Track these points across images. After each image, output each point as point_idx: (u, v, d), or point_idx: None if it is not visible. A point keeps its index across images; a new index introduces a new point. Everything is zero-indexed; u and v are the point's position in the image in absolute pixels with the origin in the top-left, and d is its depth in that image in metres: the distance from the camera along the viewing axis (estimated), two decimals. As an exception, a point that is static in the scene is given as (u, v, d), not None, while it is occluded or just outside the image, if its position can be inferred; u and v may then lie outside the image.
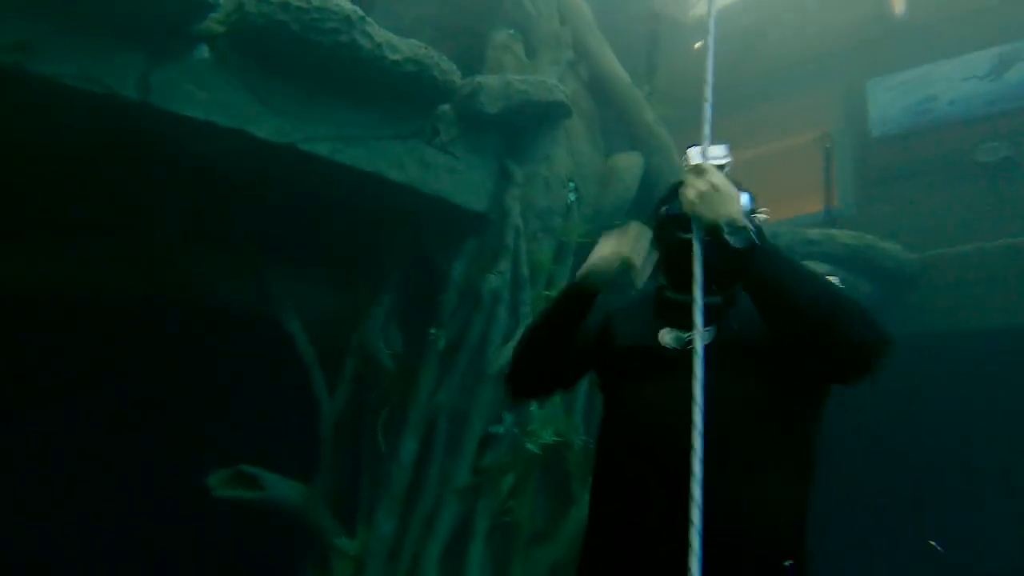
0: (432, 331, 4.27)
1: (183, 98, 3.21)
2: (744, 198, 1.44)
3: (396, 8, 6.02)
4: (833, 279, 1.44)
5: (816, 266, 5.25)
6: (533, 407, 4.27)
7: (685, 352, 1.37)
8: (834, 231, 5.49)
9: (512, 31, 5.39)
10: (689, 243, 1.38)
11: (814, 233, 5.41)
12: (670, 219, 1.51)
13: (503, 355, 4.16)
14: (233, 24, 3.28)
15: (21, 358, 4.91)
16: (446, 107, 4.00)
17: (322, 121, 3.57)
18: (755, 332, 1.39)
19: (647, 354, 1.48)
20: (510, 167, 4.25)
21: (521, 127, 4.28)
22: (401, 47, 3.56)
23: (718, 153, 1.44)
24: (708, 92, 1.40)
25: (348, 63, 3.43)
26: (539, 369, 1.66)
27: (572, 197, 4.40)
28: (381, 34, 3.50)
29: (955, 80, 6.46)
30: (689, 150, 1.45)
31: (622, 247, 1.54)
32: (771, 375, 1.38)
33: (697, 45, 9.45)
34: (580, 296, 1.57)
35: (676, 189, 1.49)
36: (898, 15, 6.96)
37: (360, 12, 3.40)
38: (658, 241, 1.56)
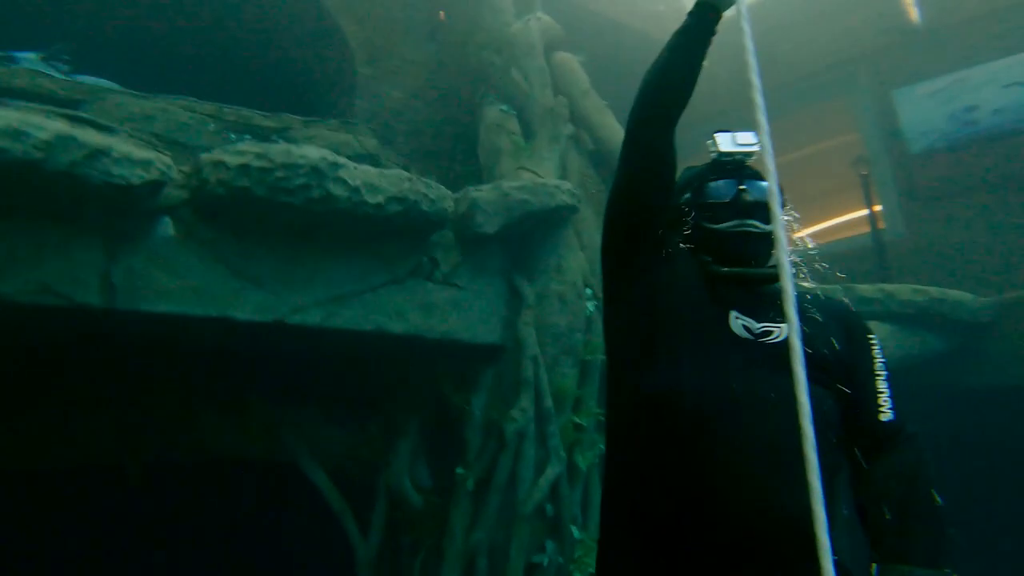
0: (459, 471, 3.87)
1: (152, 291, 2.90)
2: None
3: (381, 87, 5.77)
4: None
5: (877, 327, 4.66)
6: (575, 531, 3.86)
7: (757, 343, 1.28)
8: (892, 287, 4.88)
9: (504, 107, 5.05)
10: (741, 233, 1.36)
11: (867, 290, 4.82)
12: (717, 205, 1.40)
13: (537, 492, 3.76)
14: (194, 191, 2.97)
15: (40, 534, 4.68)
16: (443, 233, 3.63)
17: (309, 283, 3.23)
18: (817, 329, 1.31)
19: (706, 331, 1.31)
20: (520, 286, 3.84)
21: (526, 235, 3.89)
22: (383, 185, 3.20)
23: (747, 140, 1.40)
24: (754, 78, 1.22)
25: (326, 217, 3.10)
26: (668, 106, 1.40)
27: (591, 308, 3.96)
28: (359, 175, 3.15)
29: (996, 87, 5.85)
30: (716, 135, 1.42)
31: None
32: (827, 383, 1.28)
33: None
34: (704, 9, 1.38)
35: (714, 167, 1.44)
36: (915, 21, 6.41)
37: (330, 157, 3.06)
38: (695, 227, 1.43)
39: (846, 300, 1.51)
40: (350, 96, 5.62)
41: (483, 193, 3.66)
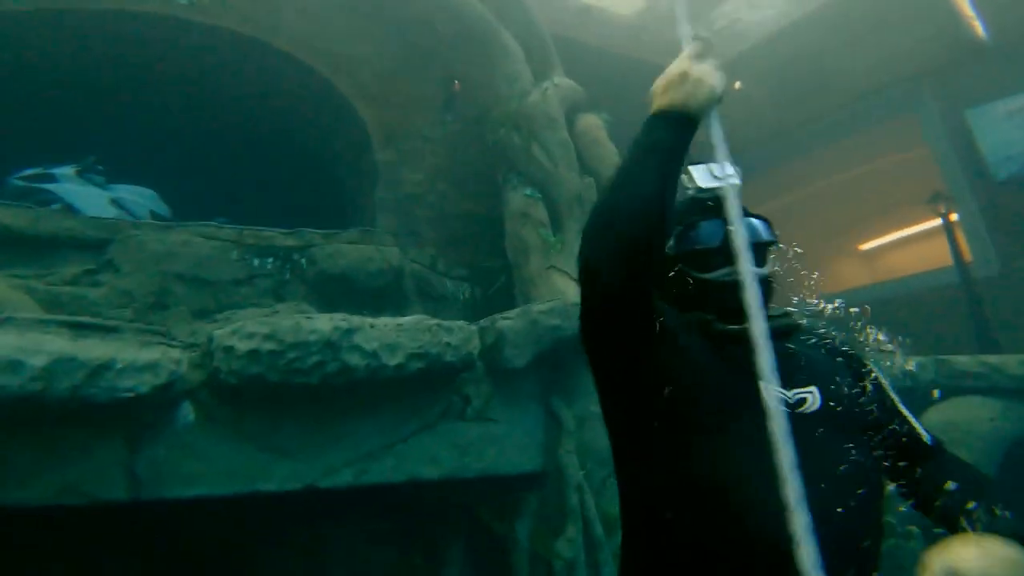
0: (510, 603, 3.69)
1: (178, 478, 2.83)
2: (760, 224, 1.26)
3: (401, 171, 5.60)
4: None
5: (980, 406, 4.16)
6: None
7: (795, 415, 1.12)
8: (997, 358, 4.29)
9: (529, 192, 4.80)
10: (729, 284, 1.16)
11: (966, 363, 4.28)
12: (706, 252, 1.22)
13: (594, 627, 3.52)
14: (210, 374, 2.87)
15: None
16: (472, 370, 3.43)
17: (337, 444, 3.09)
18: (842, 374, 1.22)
19: (740, 409, 1.12)
20: (558, 411, 3.61)
21: (562, 361, 3.65)
22: (402, 342, 3.02)
23: (727, 171, 1.19)
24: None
25: (346, 387, 2.94)
26: (629, 239, 1.08)
27: (639, 430, 3.68)
28: (375, 336, 2.98)
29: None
30: (691, 168, 1.22)
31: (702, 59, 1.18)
32: (869, 437, 1.17)
33: (736, 85, 8.48)
34: (680, 123, 1.13)
35: (695, 207, 1.25)
36: (980, 37, 5.76)
37: (343, 324, 2.90)
38: (684, 280, 1.24)
39: (838, 335, 1.35)
40: (371, 186, 5.47)
41: (510, 322, 3.43)
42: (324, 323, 2.85)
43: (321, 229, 4.54)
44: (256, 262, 4.19)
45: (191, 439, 2.89)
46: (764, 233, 1.24)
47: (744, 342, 1.09)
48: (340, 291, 4.31)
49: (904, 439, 1.22)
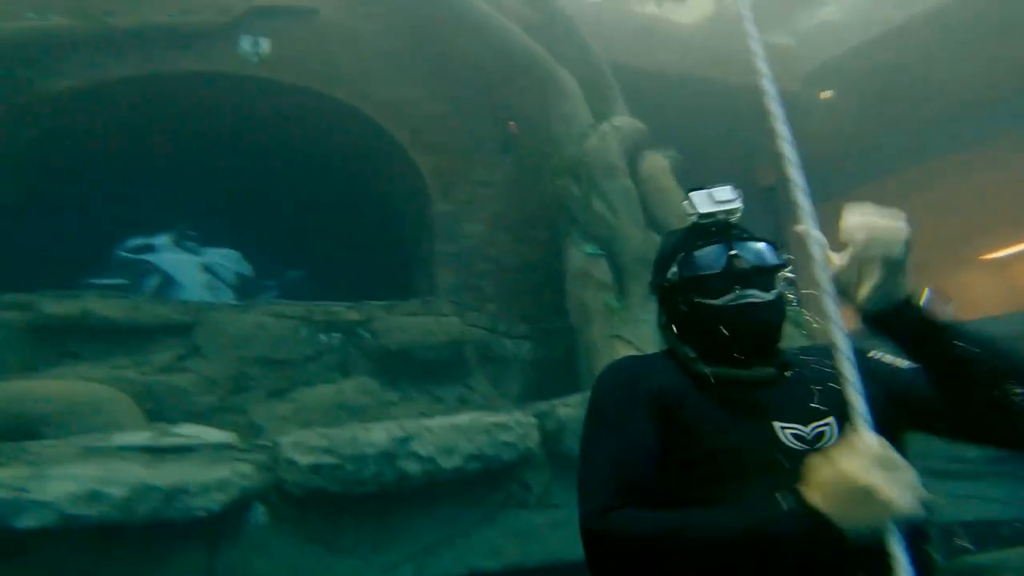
0: None
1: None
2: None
3: (459, 223, 5.61)
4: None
5: None
6: None
7: (814, 451, 1.04)
8: None
9: (590, 249, 4.68)
10: (744, 306, 1.13)
11: None
12: (709, 277, 1.18)
13: None
14: (277, 482, 3.01)
15: None
16: (531, 455, 3.40)
17: (397, 541, 3.16)
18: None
19: (757, 457, 1.07)
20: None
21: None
22: (459, 443, 3.04)
23: (726, 195, 1.21)
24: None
25: (406, 492, 2.99)
26: None
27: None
28: (431, 440, 3.01)
29: None
30: (692, 194, 1.21)
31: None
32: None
33: (825, 94, 7.89)
34: (829, 541, 0.92)
35: (697, 232, 1.22)
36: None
37: (399, 433, 2.95)
38: (676, 303, 1.22)
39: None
40: (431, 237, 5.53)
41: (571, 410, 3.37)
42: (380, 434, 2.91)
43: (390, 278, 4.64)
44: (323, 338, 4.35)
45: (262, 540, 3.03)
46: (769, 257, 1.19)
47: (734, 384, 1.09)
48: (401, 365, 4.39)
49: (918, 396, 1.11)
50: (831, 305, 1.02)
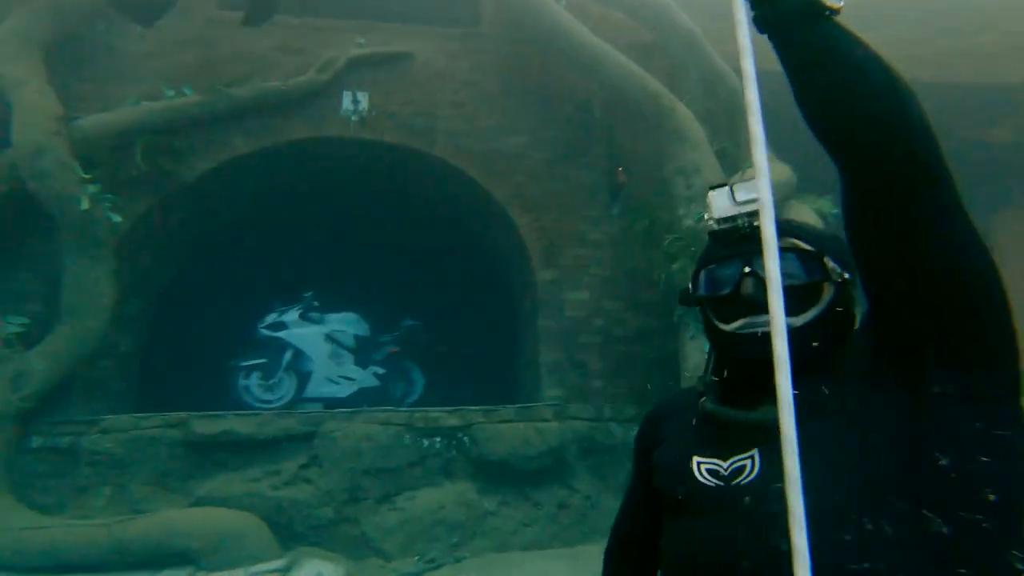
0: None
1: None
2: None
3: (562, 292, 5.41)
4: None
5: None
6: None
7: (729, 488, 0.96)
8: None
9: (708, 347, 4.38)
10: (747, 336, 0.98)
11: None
12: (719, 300, 1.04)
13: None
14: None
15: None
16: None
17: None
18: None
19: (683, 486, 1.03)
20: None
21: None
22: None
23: (752, 194, 1.00)
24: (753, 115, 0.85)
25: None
26: None
27: None
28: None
29: None
30: (711, 193, 1.04)
31: None
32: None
33: None
34: None
35: (715, 242, 1.06)
36: None
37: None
38: (710, 320, 1.08)
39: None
40: (534, 306, 5.47)
41: None
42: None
43: (500, 334, 4.78)
44: (425, 443, 4.64)
45: None
46: (796, 273, 0.99)
47: (722, 426, 1.00)
48: (500, 473, 4.58)
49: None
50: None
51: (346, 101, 5.79)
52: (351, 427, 4.62)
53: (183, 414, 4.64)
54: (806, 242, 1.02)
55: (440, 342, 6.59)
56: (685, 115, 5.18)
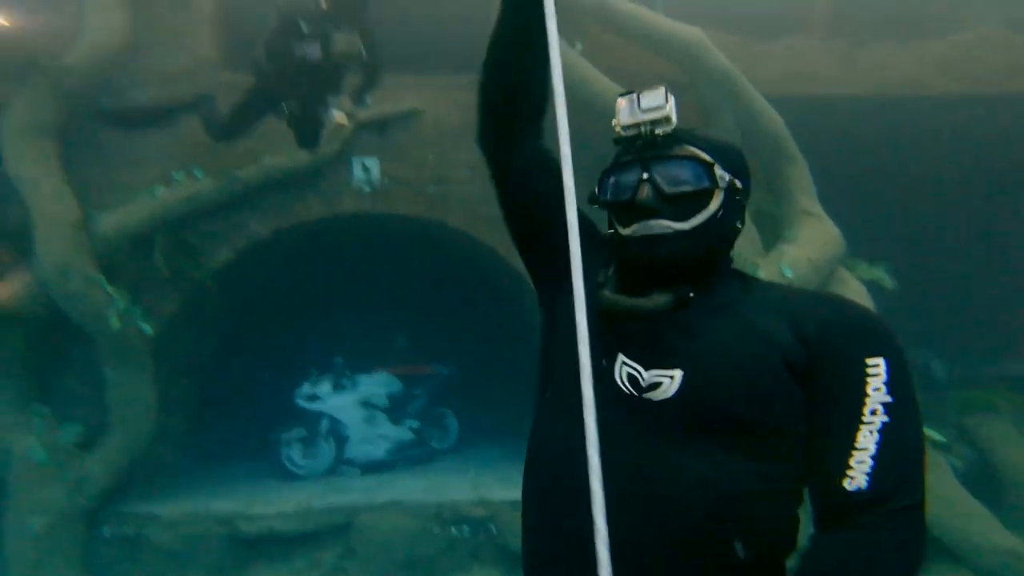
0: None
1: None
2: None
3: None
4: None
5: None
6: None
7: (641, 400, 0.99)
8: None
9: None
10: (642, 239, 1.03)
11: None
12: (618, 205, 1.08)
13: None
14: None
15: None
16: None
17: None
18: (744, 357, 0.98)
19: (599, 383, 0.99)
20: None
21: None
22: None
23: (655, 100, 1.03)
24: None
25: None
26: (504, 79, 1.21)
27: None
28: None
29: None
30: (619, 99, 1.07)
31: None
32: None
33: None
34: None
35: (624, 147, 1.11)
36: None
37: None
38: (611, 224, 1.13)
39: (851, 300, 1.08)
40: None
41: None
42: None
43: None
44: (454, 531, 4.85)
45: None
46: (689, 180, 1.02)
47: (618, 315, 1.04)
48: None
49: (812, 458, 0.94)
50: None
51: (356, 169, 5.70)
52: (382, 519, 4.85)
53: (228, 512, 4.96)
54: (703, 150, 1.05)
55: (471, 388, 6.70)
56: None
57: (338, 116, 4.78)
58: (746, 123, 5.22)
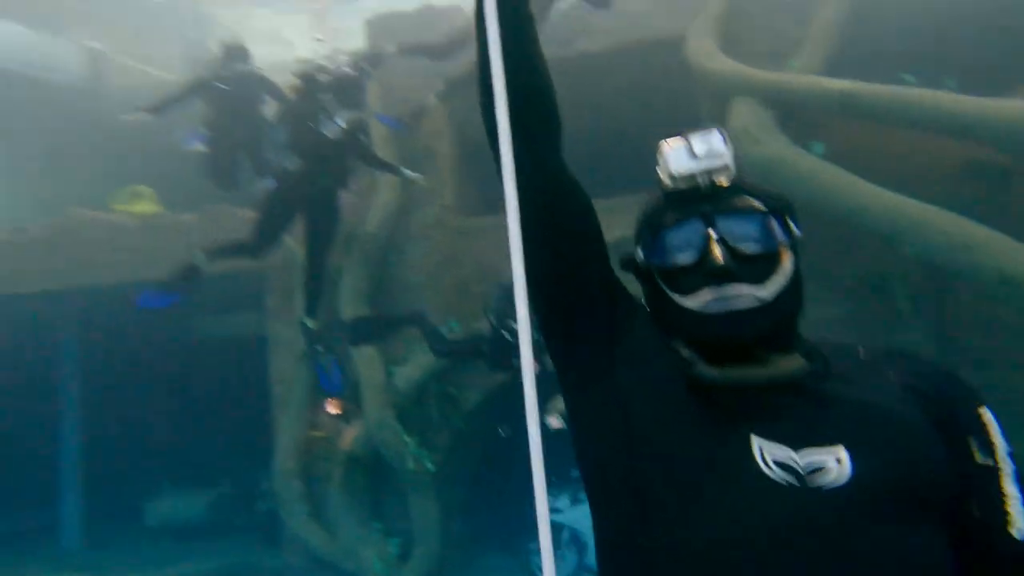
0: None
1: None
2: None
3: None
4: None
5: None
6: None
7: (802, 490, 0.81)
8: None
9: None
10: (723, 315, 0.88)
11: None
12: (679, 270, 0.94)
13: None
14: None
15: None
16: None
17: None
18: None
19: (718, 469, 0.86)
20: None
21: None
22: None
23: (712, 147, 0.92)
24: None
25: None
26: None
27: None
28: None
29: None
30: (664, 146, 0.95)
31: None
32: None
33: None
34: None
35: (670, 203, 0.97)
36: None
37: None
38: (660, 300, 0.98)
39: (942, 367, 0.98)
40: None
41: None
42: None
43: None
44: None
45: None
46: (759, 235, 0.91)
47: (732, 388, 0.88)
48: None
49: (979, 530, 0.87)
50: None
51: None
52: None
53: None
54: (760, 201, 0.93)
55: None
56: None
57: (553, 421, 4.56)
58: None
